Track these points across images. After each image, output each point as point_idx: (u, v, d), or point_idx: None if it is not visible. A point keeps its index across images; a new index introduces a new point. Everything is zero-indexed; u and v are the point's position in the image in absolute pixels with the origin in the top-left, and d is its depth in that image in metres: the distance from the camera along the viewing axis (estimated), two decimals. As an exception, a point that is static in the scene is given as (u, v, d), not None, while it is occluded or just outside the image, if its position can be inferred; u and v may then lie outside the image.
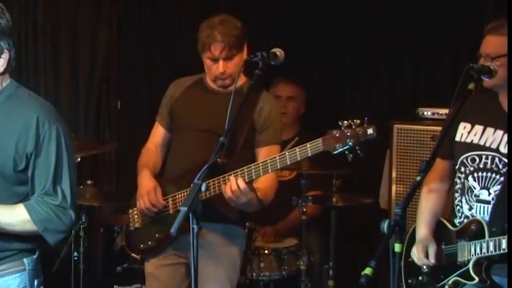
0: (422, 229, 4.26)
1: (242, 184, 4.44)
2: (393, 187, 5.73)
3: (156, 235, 5.03)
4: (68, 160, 3.77)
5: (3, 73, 3.77)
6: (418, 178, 3.66)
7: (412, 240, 4.33)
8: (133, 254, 5.31)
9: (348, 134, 4.17)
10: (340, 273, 6.11)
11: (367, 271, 3.29)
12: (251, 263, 6.01)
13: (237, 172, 4.52)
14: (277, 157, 4.42)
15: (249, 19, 6.14)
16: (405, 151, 5.71)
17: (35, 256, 3.89)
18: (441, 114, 5.60)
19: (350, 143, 4.17)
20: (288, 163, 4.39)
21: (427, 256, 4.14)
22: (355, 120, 4.18)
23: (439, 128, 4.63)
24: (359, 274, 3.32)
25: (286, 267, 6.08)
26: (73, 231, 6.57)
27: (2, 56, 3.72)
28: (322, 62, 7.20)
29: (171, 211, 4.94)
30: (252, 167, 4.50)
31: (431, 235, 4.23)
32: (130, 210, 5.24)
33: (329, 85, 7.21)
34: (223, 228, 4.96)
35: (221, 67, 4.79)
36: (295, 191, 5.79)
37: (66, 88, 8.01)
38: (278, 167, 4.42)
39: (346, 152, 4.18)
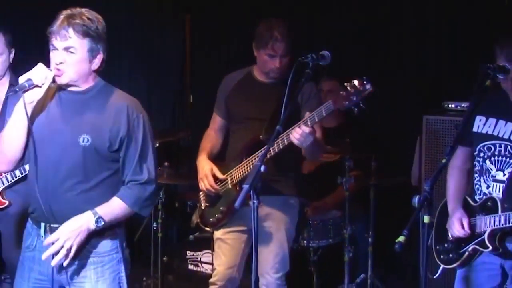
0: (454, 205, 4.30)
1: (305, 128, 4.54)
2: (423, 168, 5.74)
3: (221, 208, 5.17)
4: (151, 143, 3.93)
5: (95, 71, 3.89)
6: (444, 161, 3.75)
7: (442, 214, 4.40)
8: (206, 228, 5.48)
9: (352, 91, 4.31)
10: (378, 240, 6.18)
11: (401, 238, 3.42)
12: (302, 232, 6.07)
13: (297, 124, 4.58)
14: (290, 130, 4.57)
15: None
16: (433, 138, 5.72)
17: (123, 224, 4.03)
18: (463, 107, 5.61)
19: (354, 99, 4.31)
20: (317, 120, 4.53)
21: (463, 227, 4.18)
22: (355, 80, 4.32)
23: (461, 119, 4.57)
24: (394, 242, 3.45)
25: (332, 236, 6.16)
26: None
27: (98, 56, 3.84)
28: (361, 59, 7.18)
29: (229, 186, 5.10)
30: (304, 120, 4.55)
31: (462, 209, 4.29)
32: (200, 192, 5.41)
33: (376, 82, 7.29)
34: (281, 201, 5.09)
35: (279, 62, 4.94)
36: (340, 171, 5.87)
37: (147, 85, 8.27)
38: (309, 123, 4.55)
39: (352, 107, 4.34)
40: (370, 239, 6.17)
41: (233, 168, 5.09)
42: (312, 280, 6.27)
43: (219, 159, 5.35)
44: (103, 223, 3.77)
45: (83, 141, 3.78)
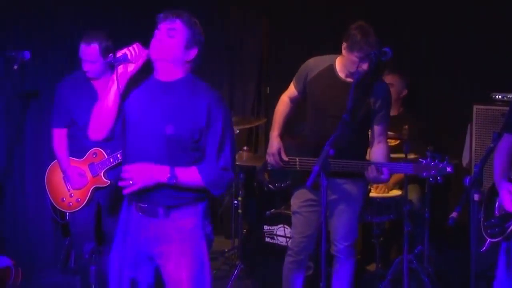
0: (500, 180, 4.23)
1: (382, 176, 4.76)
2: (473, 152, 5.79)
3: (287, 182, 5.34)
4: (230, 134, 3.91)
5: (187, 62, 3.90)
6: (491, 145, 3.91)
7: (490, 193, 4.36)
8: (269, 186, 5.56)
9: (432, 165, 4.46)
10: (433, 216, 6.12)
11: (453, 214, 3.56)
12: (366, 209, 6.04)
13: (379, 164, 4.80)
14: (367, 165, 4.77)
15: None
16: (481, 125, 5.77)
17: (205, 203, 4.01)
18: (509, 97, 5.68)
19: (432, 173, 4.47)
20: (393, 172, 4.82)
21: None
22: (437, 155, 4.48)
23: (507, 108, 4.53)
24: (447, 217, 3.59)
25: (392, 212, 6.18)
26: (233, 184, 7.01)
27: (193, 49, 3.87)
28: (415, 52, 7.19)
29: (297, 168, 5.21)
30: (384, 164, 4.80)
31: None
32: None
33: (425, 73, 7.20)
34: (350, 182, 5.15)
35: (366, 66, 4.80)
36: (399, 154, 5.83)
37: (230, 79, 8.52)
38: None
39: (430, 178, 4.49)
40: (426, 215, 6.12)
41: (306, 156, 5.14)
42: (375, 251, 6.32)
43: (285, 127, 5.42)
44: (174, 181, 3.78)
45: (168, 131, 3.81)
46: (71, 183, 5.66)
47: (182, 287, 3.93)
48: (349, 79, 4.96)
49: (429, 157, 4.49)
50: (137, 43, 3.84)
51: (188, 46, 3.85)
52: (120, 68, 3.81)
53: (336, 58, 5.07)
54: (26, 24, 6.68)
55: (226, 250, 7.41)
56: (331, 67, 5.09)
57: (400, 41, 6.95)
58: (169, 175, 3.78)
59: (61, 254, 7.00)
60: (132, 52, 3.78)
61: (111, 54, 3.77)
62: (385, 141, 5.11)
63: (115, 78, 3.81)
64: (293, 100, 5.39)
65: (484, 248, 4.41)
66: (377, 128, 5.07)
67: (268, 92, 8.50)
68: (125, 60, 3.77)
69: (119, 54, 3.79)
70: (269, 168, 5.47)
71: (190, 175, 3.84)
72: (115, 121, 3.93)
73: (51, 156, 5.81)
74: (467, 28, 6.87)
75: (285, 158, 5.26)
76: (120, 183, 3.85)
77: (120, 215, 4.13)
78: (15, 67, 5.38)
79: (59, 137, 5.69)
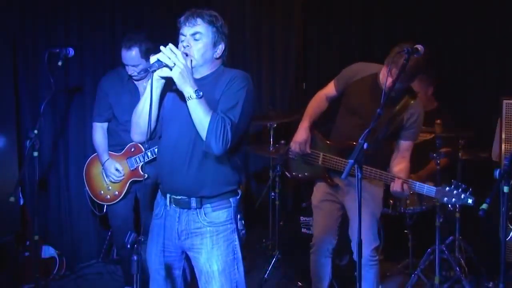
0: None
1: (406, 191, 4.83)
2: (503, 145, 5.77)
3: (306, 174, 5.39)
4: (243, 107, 3.79)
5: (217, 59, 3.94)
6: None
7: None
8: (286, 173, 5.68)
9: (455, 193, 4.51)
10: (464, 207, 5.80)
11: (484, 206, 3.67)
12: (399, 200, 6.20)
13: (406, 180, 4.83)
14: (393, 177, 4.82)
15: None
16: (511, 119, 5.75)
17: (238, 197, 4.05)
18: None
19: (453, 201, 4.53)
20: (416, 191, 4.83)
21: None
22: (462, 186, 4.51)
23: None
24: (478, 208, 3.71)
25: (425, 203, 6.26)
26: (270, 177, 7.10)
27: (220, 46, 3.90)
28: (449, 51, 7.27)
29: (320, 163, 5.24)
30: (410, 181, 4.82)
31: None
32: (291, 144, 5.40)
33: (456, 69, 7.29)
34: (371, 185, 5.16)
35: (391, 83, 4.58)
36: (432, 148, 5.91)
37: (270, 75, 8.62)
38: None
39: (449, 205, 4.55)
40: (457, 206, 6.10)
41: (328, 154, 5.20)
42: (408, 241, 6.41)
43: (317, 123, 5.42)
44: (200, 95, 3.69)
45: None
46: (108, 176, 5.80)
47: (214, 279, 3.99)
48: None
49: (454, 185, 4.54)
50: (170, 44, 3.77)
51: (215, 44, 3.90)
52: (156, 74, 3.75)
53: (382, 68, 4.98)
54: (70, 21, 6.82)
55: (263, 240, 7.54)
56: (375, 76, 5.07)
57: (431, 37, 7.02)
58: (197, 88, 3.70)
59: (104, 245, 7.23)
60: (165, 55, 3.69)
61: (150, 56, 3.81)
62: (408, 158, 5.11)
63: (148, 86, 3.77)
64: (328, 99, 5.40)
65: (509, 237, 4.72)
66: (404, 144, 5.10)
67: (304, 87, 8.65)
68: (159, 66, 3.70)
69: (152, 60, 3.73)
70: (290, 156, 5.47)
71: (206, 107, 3.72)
72: (155, 124, 3.97)
73: (94, 150, 5.94)
74: (496, 23, 6.91)
75: (308, 150, 5.27)
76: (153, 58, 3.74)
77: (155, 207, 4.19)
78: (60, 63, 5.57)
79: (99, 131, 5.83)
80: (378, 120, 4.05)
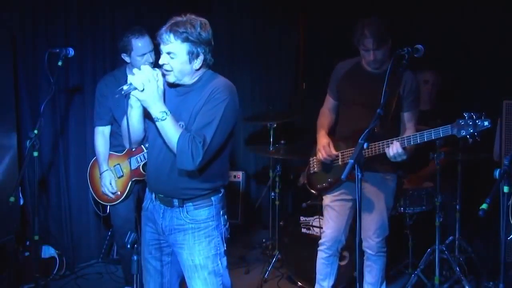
0: None
1: (400, 149, 4.75)
2: (503, 145, 5.73)
3: (329, 180, 5.36)
4: (219, 124, 3.84)
5: (198, 69, 3.96)
6: None
7: None
8: (312, 191, 5.59)
9: (470, 123, 4.40)
10: (464, 208, 6.20)
11: (484, 206, 3.62)
12: (400, 200, 6.17)
13: (398, 139, 4.78)
14: (418, 135, 4.70)
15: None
16: (511, 119, 5.71)
17: (220, 194, 4.14)
18: None
19: (471, 130, 4.41)
20: (426, 140, 4.66)
21: None
22: (475, 114, 4.41)
23: None
24: (478, 209, 3.65)
25: (425, 203, 6.24)
26: (270, 177, 7.13)
27: (199, 57, 3.90)
28: (449, 51, 7.18)
29: (340, 163, 5.25)
30: (405, 138, 4.75)
31: None
32: (311, 158, 5.57)
33: (457, 69, 7.15)
34: (381, 176, 5.25)
35: (372, 55, 5.04)
36: (432, 148, 5.80)
37: (267, 75, 8.60)
38: (418, 141, 4.70)
39: (468, 136, 4.40)
40: (457, 206, 6.19)
41: (345, 149, 5.22)
42: (408, 241, 6.37)
43: (330, 133, 5.44)
44: (165, 117, 3.81)
45: (180, 127, 3.88)
46: (102, 186, 5.79)
47: (197, 273, 4.11)
48: (373, 70, 5.18)
49: (467, 116, 4.47)
50: (145, 66, 3.90)
51: (192, 58, 3.92)
52: (132, 97, 3.87)
53: (360, 56, 5.26)
54: (70, 21, 6.81)
55: (263, 240, 7.54)
56: (358, 63, 5.30)
57: (431, 37, 6.97)
58: (163, 110, 3.83)
59: (104, 245, 7.22)
60: (137, 79, 3.82)
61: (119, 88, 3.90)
62: (413, 128, 5.14)
63: (128, 107, 3.93)
64: (331, 110, 5.54)
65: (511, 236, 4.60)
66: (406, 115, 5.16)
67: (304, 87, 8.63)
68: (132, 89, 3.83)
69: (129, 80, 3.84)
70: (311, 171, 5.53)
71: (175, 129, 3.84)
72: (143, 133, 4.13)
73: (94, 151, 5.93)
74: (497, 23, 6.88)
75: (333, 151, 5.30)
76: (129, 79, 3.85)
77: (144, 200, 4.32)
78: (60, 63, 5.57)
79: (100, 137, 5.81)
80: (378, 120, 4.10)
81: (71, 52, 5.63)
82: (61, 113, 6.85)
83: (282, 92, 8.70)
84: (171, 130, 3.83)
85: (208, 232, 4.10)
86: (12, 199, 5.24)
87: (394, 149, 4.79)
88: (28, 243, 6.23)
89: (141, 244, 3.97)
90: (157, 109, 3.83)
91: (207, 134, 3.83)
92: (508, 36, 6.77)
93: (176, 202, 4.06)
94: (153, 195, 4.18)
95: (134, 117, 4.00)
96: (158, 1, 7.47)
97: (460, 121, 4.47)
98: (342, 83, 5.37)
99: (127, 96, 3.87)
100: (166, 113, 3.83)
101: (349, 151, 5.17)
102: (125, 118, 3.98)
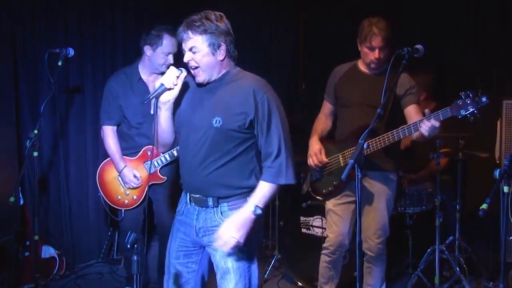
0: None
1: (435, 122, 4.58)
2: (503, 145, 5.80)
3: (334, 183, 5.32)
4: (278, 117, 3.92)
5: (222, 61, 3.94)
6: None
7: None
8: (317, 197, 5.58)
9: (468, 101, 4.39)
10: (464, 207, 6.18)
11: (484, 206, 3.64)
12: (400, 200, 6.19)
13: (427, 117, 4.63)
14: (418, 122, 4.65)
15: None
16: (511, 119, 5.78)
17: None
18: None
19: (470, 108, 4.39)
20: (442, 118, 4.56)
21: None
22: (471, 93, 4.39)
23: None
24: (478, 208, 3.67)
25: (425, 203, 6.26)
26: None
27: (221, 48, 3.89)
28: (448, 51, 7.25)
29: (341, 164, 5.23)
30: (412, 125, 4.72)
31: None
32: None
33: (456, 69, 7.22)
34: (382, 175, 5.23)
35: (377, 54, 5.03)
36: (432, 148, 5.80)
37: (267, 73, 8.62)
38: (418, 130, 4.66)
39: (468, 115, 4.39)
40: (457, 206, 6.16)
41: (345, 150, 5.21)
42: (408, 241, 6.39)
43: (325, 138, 5.45)
44: (260, 210, 3.84)
45: (215, 123, 3.84)
46: (126, 183, 5.73)
47: (229, 275, 4.05)
48: (370, 72, 5.20)
49: (464, 95, 4.46)
50: (171, 67, 3.97)
51: (214, 50, 3.92)
52: (162, 98, 3.94)
53: (359, 59, 5.31)
54: (70, 21, 6.82)
55: (264, 240, 7.51)
56: (355, 66, 5.34)
57: (431, 38, 7.02)
58: (252, 211, 3.86)
59: (104, 245, 7.22)
60: (167, 79, 3.92)
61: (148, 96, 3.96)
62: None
63: (157, 110, 3.98)
64: (327, 115, 5.56)
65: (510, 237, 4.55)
66: (409, 110, 5.11)
67: (303, 87, 8.65)
68: (163, 90, 3.92)
69: (157, 85, 3.92)
70: (313, 178, 5.51)
71: (264, 191, 3.90)
72: (174, 135, 4.14)
73: (94, 151, 5.91)
74: (497, 23, 6.90)
75: (324, 158, 5.30)
76: (223, 247, 3.93)
77: (178, 204, 4.25)
78: (60, 63, 5.56)
79: (111, 135, 5.72)
80: (378, 119, 4.10)
81: (71, 52, 5.62)
82: (61, 113, 6.85)
83: (281, 92, 8.47)
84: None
85: None
86: (12, 199, 5.23)
87: (428, 124, 4.66)
88: (28, 243, 6.22)
89: (143, 244, 3.92)
90: None
91: (285, 149, 3.96)
92: (508, 36, 6.79)
93: (210, 201, 3.99)
94: (188, 197, 4.11)
95: (163, 118, 4.01)
96: (158, 1, 7.47)
97: (458, 102, 4.48)
98: (339, 85, 5.38)
99: (156, 98, 3.92)
100: None
101: (350, 151, 5.16)
102: (154, 125, 4.03)
